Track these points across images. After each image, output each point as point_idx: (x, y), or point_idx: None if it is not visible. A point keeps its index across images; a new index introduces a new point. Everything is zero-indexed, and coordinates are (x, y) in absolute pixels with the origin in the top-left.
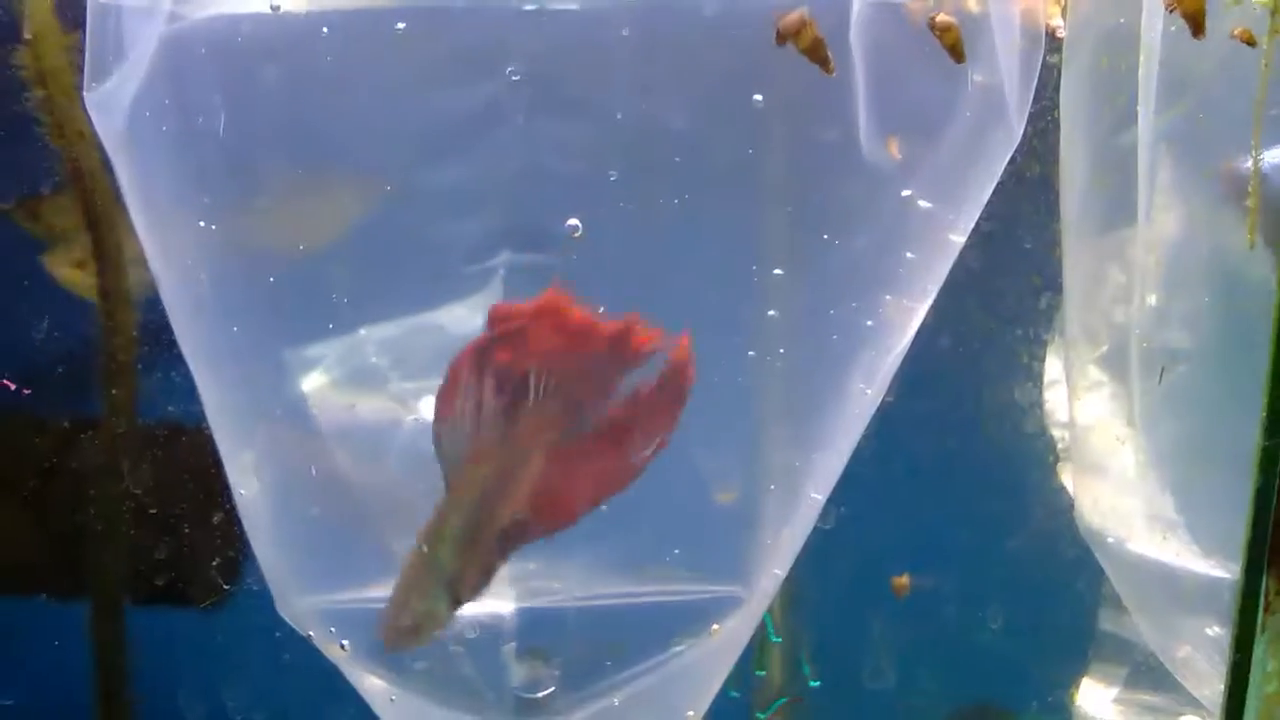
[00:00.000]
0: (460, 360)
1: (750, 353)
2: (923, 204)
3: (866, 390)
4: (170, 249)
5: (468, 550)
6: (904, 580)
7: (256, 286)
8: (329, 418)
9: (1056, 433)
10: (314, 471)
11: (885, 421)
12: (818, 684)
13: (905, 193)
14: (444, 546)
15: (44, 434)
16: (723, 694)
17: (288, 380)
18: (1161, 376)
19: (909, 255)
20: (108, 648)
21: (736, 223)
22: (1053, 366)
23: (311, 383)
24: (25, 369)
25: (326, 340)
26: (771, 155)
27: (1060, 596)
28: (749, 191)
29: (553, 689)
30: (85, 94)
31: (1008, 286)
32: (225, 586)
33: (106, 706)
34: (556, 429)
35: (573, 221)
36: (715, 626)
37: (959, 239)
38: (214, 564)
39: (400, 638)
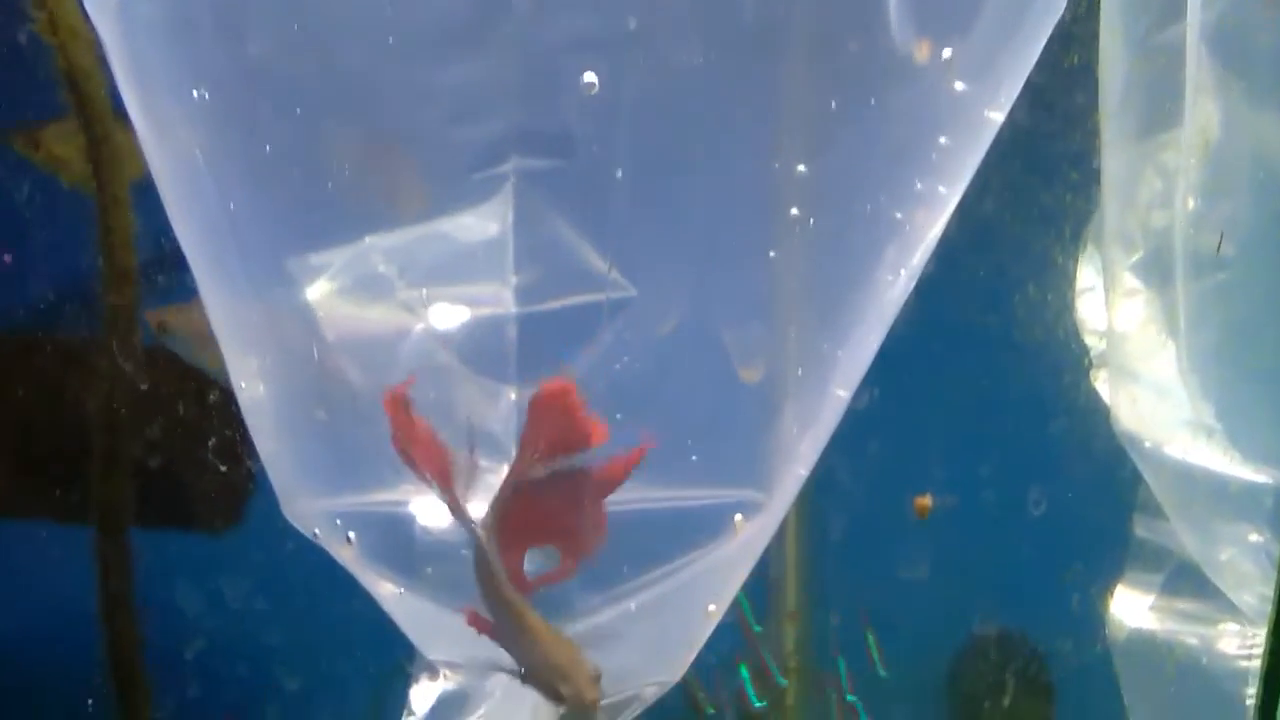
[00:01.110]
0: None
1: (772, 253)
2: (958, 85)
3: (895, 282)
4: (164, 125)
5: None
6: (926, 500)
7: (254, 158)
8: (334, 324)
9: (1090, 340)
10: (320, 377)
11: (913, 323)
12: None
13: (938, 74)
14: None
15: (44, 353)
16: None
17: (291, 284)
18: (1220, 246)
19: (942, 140)
20: (111, 569)
21: (756, 118)
22: (1085, 274)
23: (316, 290)
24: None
25: (330, 242)
26: (794, 42)
27: (1095, 503)
28: (771, 84)
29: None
30: None
31: (1040, 185)
32: (232, 511)
33: (111, 625)
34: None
35: (589, 77)
36: (738, 517)
37: (998, 116)
38: (220, 488)
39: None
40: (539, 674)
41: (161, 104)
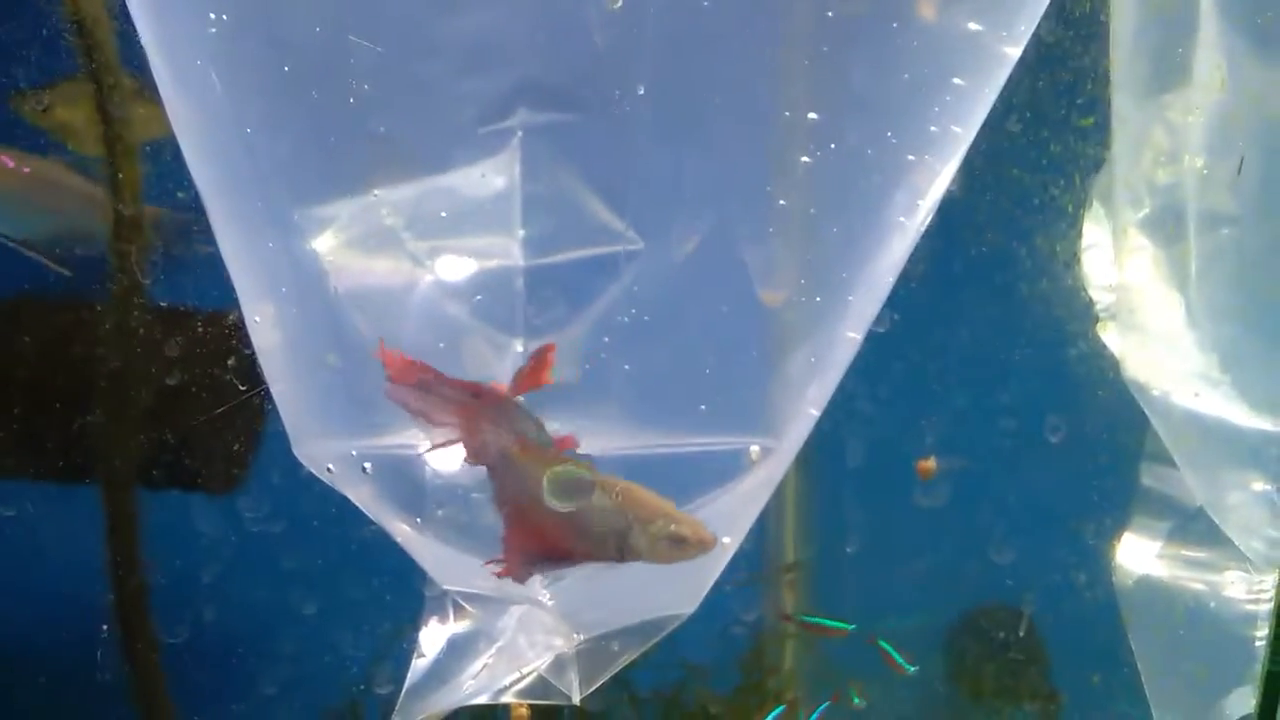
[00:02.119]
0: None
1: (782, 201)
2: (972, 25)
3: (907, 224)
4: (179, 55)
5: None
6: (929, 463)
7: (271, 83)
8: (342, 274)
9: (1097, 295)
10: (330, 322)
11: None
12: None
13: (951, 15)
14: None
15: (54, 313)
16: None
17: (306, 224)
18: (1240, 166)
19: (956, 81)
20: (120, 530)
21: (767, 61)
22: (1090, 231)
23: (326, 237)
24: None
25: (342, 182)
26: None
27: (1102, 450)
28: (781, 27)
29: None
30: None
31: (1051, 133)
32: (237, 472)
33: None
34: None
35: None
36: (754, 447)
37: (1014, 51)
38: (227, 450)
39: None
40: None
41: (178, 31)
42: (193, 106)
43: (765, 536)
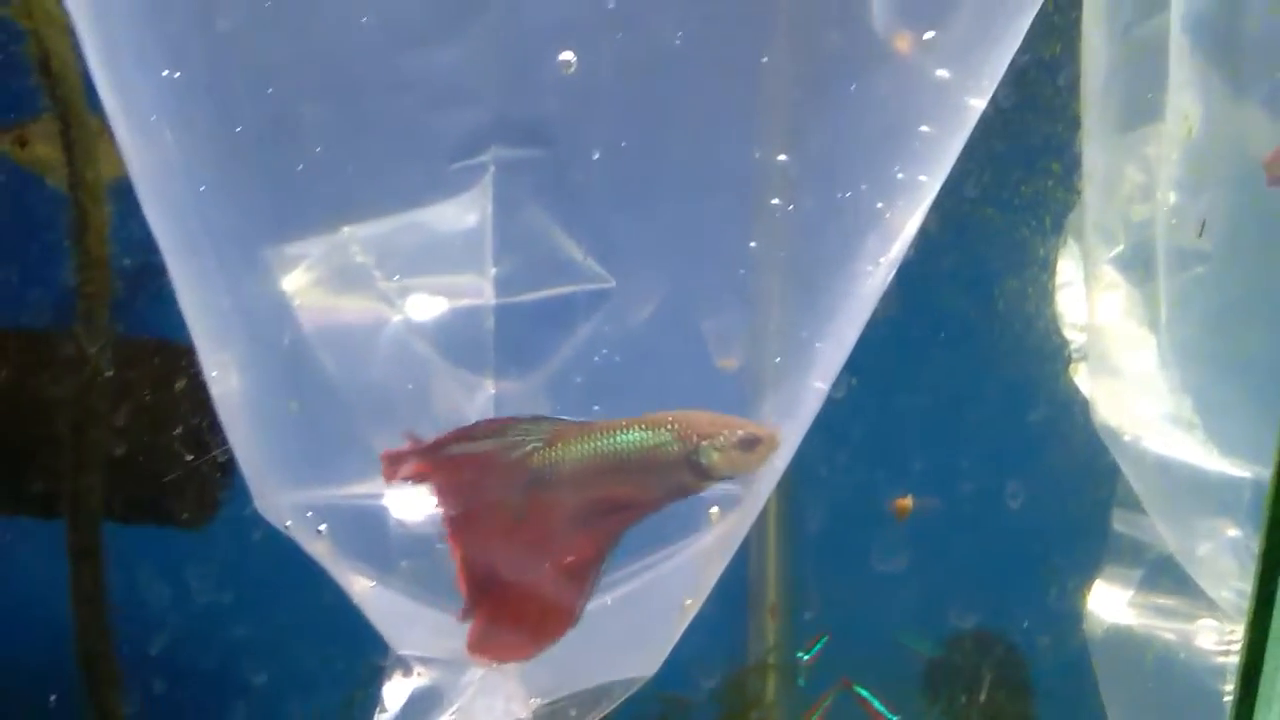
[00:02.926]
0: None
1: (752, 244)
2: (940, 73)
3: (875, 271)
4: (135, 107)
5: None
6: (906, 502)
7: (224, 140)
8: (310, 314)
9: (1070, 335)
10: (294, 368)
11: (892, 321)
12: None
13: (920, 63)
14: None
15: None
16: None
17: (264, 273)
18: (1201, 230)
19: (924, 128)
20: (84, 563)
21: (737, 106)
22: (1065, 268)
23: (291, 279)
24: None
25: (305, 230)
26: (774, 29)
27: (1073, 497)
28: (752, 73)
29: None
30: None
31: (1023, 175)
32: (209, 506)
33: (83, 617)
34: None
35: (565, 55)
36: (714, 509)
37: (979, 103)
38: (198, 482)
39: None
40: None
41: (132, 85)
42: (147, 159)
43: (748, 573)
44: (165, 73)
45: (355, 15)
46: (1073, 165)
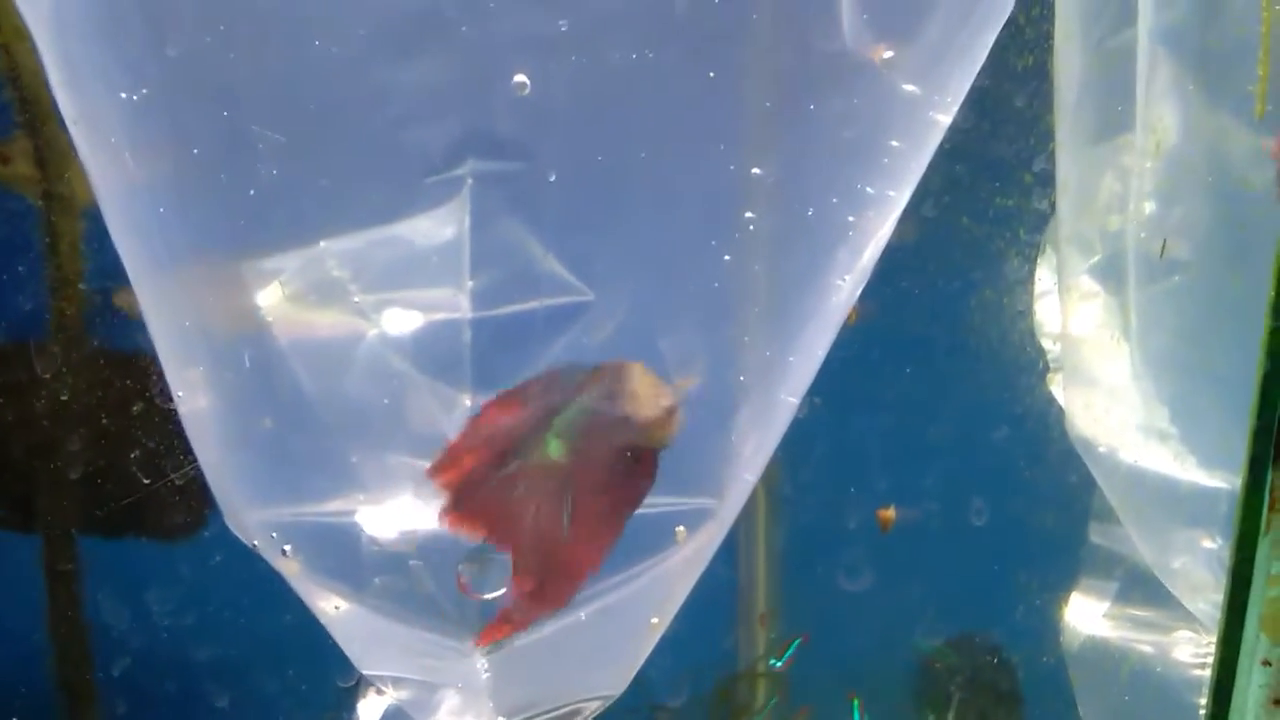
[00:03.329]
0: None
1: (726, 257)
2: (907, 88)
3: (844, 285)
4: (96, 128)
5: None
6: (889, 513)
7: (183, 162)
8: (285, 330)
9: (1046, 344)
10: (269, 386)
11: (866, 331)
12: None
13: (888, 77)
14: None
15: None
16: None
17: (229, 290)
18: (1163, 250)
19: (893, 143)
20: (59, 578)
21: (708, 122)
22: (1043, 278)
23: (266, 296)
24: None
25: (276, 246)
26: (744, 45)
27: (1048, 508)
28: (723, 87)
29: (504, 590)
30: None
31: (996, 188)
32: (190, 520)
33: (58, 635)
34: None
35: (520, 78)
36: (680, 528)
37: (945, 119)
38: (177, 497)
39: None
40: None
41: (93, 107)
42: (109, 179)
43: (738, 581)
44: (124, 94)
45: (327, 32)
46: (1045, 177)
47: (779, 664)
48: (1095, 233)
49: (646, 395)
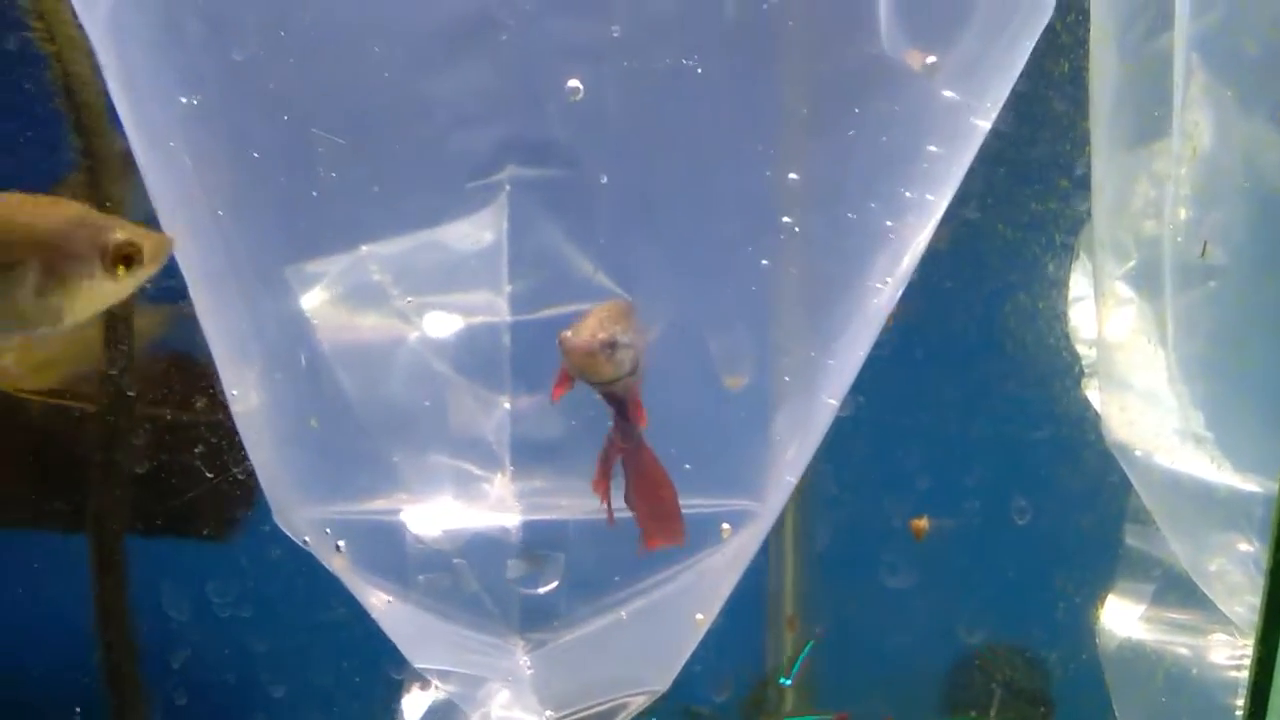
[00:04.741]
0: None
1: (765, 261)
2: (947, 94)
3: (884, 289)
4: (154, 133)
5: None
6: (922, 522)
7: (241, 165)
8: (328, 333)
9: (1082, 349)
10: (313, 386)
11: (905, 332)
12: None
13: (928, 84)
14: None
15: None
16: None
17: (283, 293)
18: (1205, 252)
19: (932, 149)
20: (108, 579)
21: (748, 127)
22: (1078, 283)
23: (309, 299)
24: None
25: (322, 250)
26: (785, 52)
27: (1085, 511)
28: (764, 93)
29: (556, 584)
30: None
31: (1035, 191)
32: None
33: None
34: None
35: (573, 83)
36: (725, 526)
37: (984, 123)
38: (224, 497)
39: None
40: None
41: (151, 112)
42: (167, 184)
43: (767, 586)
44: (183, 99)
45: (370, 41)
46: (1081, 182)
47: (788, 681)
48: (1130, 238)
49: (581, 332)
